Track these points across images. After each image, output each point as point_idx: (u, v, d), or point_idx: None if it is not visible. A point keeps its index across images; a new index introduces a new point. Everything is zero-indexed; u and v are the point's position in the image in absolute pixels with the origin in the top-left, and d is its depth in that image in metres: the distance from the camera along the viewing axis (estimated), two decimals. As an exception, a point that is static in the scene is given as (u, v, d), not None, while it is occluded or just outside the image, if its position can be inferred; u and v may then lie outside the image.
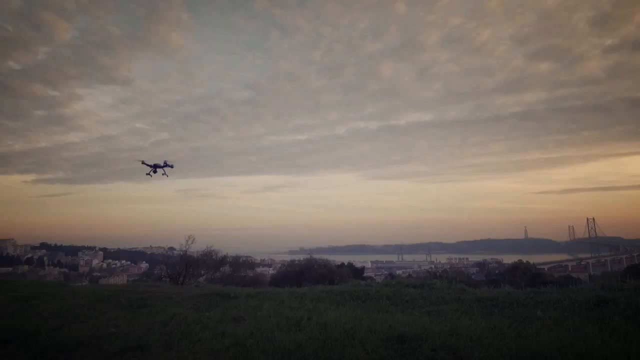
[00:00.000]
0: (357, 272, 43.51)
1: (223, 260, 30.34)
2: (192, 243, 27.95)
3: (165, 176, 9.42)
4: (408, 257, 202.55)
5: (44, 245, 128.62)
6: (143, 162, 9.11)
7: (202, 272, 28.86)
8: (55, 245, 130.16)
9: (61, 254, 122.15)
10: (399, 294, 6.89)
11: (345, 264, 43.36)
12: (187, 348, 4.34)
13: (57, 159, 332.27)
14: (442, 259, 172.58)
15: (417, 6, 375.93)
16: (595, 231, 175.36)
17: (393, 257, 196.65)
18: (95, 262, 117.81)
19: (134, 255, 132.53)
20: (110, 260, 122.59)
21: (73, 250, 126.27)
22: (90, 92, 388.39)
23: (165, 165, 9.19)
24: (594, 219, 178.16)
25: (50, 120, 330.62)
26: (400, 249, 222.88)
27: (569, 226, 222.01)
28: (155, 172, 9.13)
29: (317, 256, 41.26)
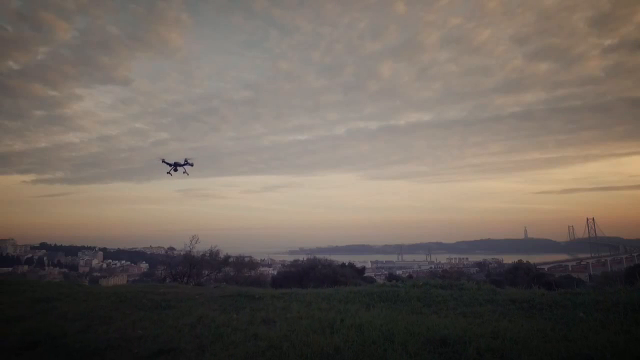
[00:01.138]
0: (358, 273, 43.35)
1: (226, 260, 30.16)
2: (196, 243, 27.79)
3: (185, 174, 9.14)
4: (408, 257, 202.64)
5: (43, 246, 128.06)
6: (163, 161, 8.86)
7: (206, 272, 28.71)
8: (55, 245, 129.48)
9: (61, 254, 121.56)
10: (429, 295, 6.69)
11: (346, 264, 43.16)
12: (221, 351, 4.12)
13: (56, 159, 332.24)
14: (441, 259, 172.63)
15: (417, 6, 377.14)
16: (595, 231, 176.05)
17: (393, 257, 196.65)
18: (95, 262, 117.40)
19: (133, 256, 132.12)
20: (110, 261, 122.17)
21: (73, 251, 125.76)
22: (89, 92, 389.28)
23: (186, 163, 8.93)
24: (593, 219, 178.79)
25: (49, 120, 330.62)
26: (400, 249, 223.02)
27: (568, 226, 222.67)
28: (176, 170, 8.88)
29: (319, 256, 41.05)
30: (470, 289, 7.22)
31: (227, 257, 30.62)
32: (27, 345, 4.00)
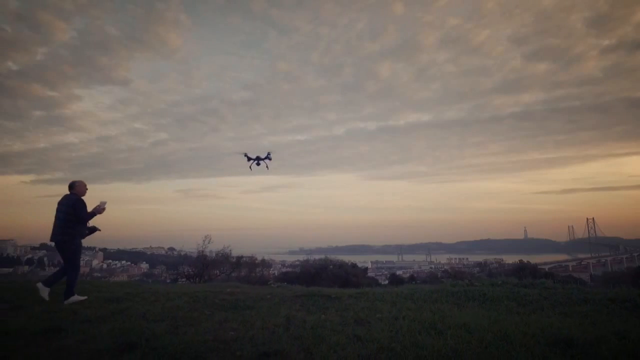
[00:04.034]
0: (363, 273, 43.05)
1: (238, 260, 29.89)
2: (208, 243, 27.48)
3: (266, 169, 8.69)
4: (408, 257, 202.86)
5: (44, 246, 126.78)
6: (246, 155, 8.45)
7: (217, 272, 28.43)
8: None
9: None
10: (518, 294, 6.25)
11: (348, 264, 42.80)
12: (330, 354, 3.66)
13: (56, 160, 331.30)
14: (441, 259, 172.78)
15: (415, 7, 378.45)
16: (595, 231, 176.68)
17: (393, 257, 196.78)
18: (95, 262, 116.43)
19: (133, 256, 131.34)
20: (110, 261, 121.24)
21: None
22: (88, 93, 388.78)
23: (267, 157, 8.49)
24: (593, 219, 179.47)
25: (49, 120, 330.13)
26: (400, 249, 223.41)
27: (568, 226, 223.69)
28: (258, 164, 8.44)
29: (331, 256, 40.72)
30: (555, 287, 6.83)
31: (240, 257, 30.35)
32: (123, 347, 3.57)
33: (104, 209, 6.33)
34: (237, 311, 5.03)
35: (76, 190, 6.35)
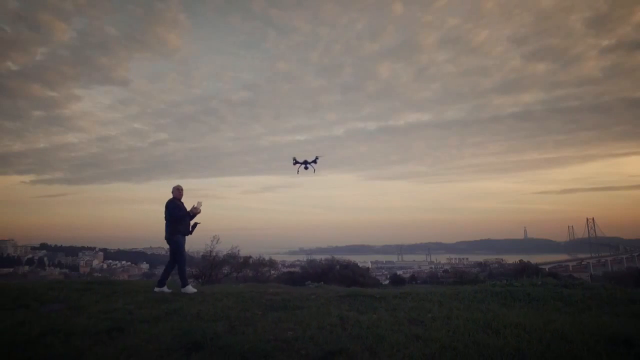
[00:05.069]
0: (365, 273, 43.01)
1: (246, 260, 29.90)
2: (217, 243, 27.41)
3: (313, 172, 8.62)
4: (407, 257, 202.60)
5: (44, 246, 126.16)
6: (294, 159, 8.46)
7: (224, 272, 28.42)
8: (55, 245, 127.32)
9: (61, 255, 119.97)
10: (562, 294, 6.16)
11: (353, 264, 42.69)
12: (394, 353, 3.59)
13: (55, 160, 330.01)
14: (441, 259, 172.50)
15: (414, 7, 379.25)
16: (595, 231, 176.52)
17: (393, 257, 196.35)
18: (95, 262, 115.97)
19: (134, 256, 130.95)
20: (110, 261, 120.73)
21: (73, 251, 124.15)
22: (88, 93, 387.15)
23: (314, 161, 8.47)
24: (593, 219, 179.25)
25: (48, 120, 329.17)
26: (400, 249, 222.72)
27: (568, 226, 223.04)
28: (306, 168, 8.43)
29: (337, 256, 40.64)
30: (597, 287, 6.81)
31: (248, 257, 30.35)
32: (190, 346, 3.52)
33: (199, 210, 7.13)
34: (288, 311, 4.97)
35: (173, 194, 7.13)
